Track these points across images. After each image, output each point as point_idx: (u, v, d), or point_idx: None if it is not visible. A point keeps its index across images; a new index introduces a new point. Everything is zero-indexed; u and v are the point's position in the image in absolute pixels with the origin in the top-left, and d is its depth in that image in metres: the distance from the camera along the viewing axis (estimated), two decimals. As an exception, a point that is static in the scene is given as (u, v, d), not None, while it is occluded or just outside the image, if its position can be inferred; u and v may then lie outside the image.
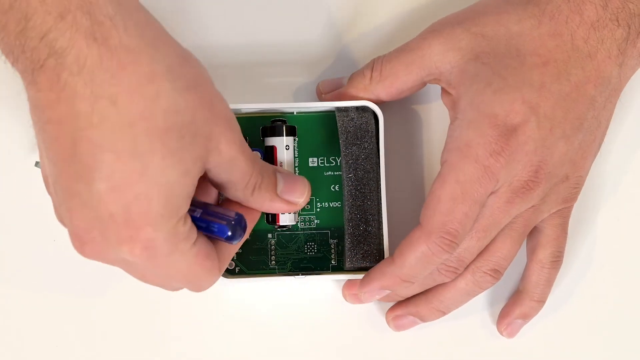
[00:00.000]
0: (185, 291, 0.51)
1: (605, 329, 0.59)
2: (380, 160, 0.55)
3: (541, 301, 0.56)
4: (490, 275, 0.53)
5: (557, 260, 0.55)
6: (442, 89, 0.54)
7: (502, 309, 0.58)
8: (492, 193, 0.51)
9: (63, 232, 0.55)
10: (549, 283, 0.56)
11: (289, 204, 0.51)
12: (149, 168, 0.43)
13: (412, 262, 0.51)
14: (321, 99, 0.56)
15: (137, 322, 0.58)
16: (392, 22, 0.59)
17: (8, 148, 0.58)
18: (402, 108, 0.59)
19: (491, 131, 0.50)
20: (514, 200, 0.51)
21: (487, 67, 0.51)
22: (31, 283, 0.58)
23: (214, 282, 0.49)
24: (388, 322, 0.57)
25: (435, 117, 0.59)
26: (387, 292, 0.54)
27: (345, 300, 0.56)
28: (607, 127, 0.54)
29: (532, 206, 0.52)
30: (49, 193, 0.48)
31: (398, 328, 0.57)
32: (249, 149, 0.48)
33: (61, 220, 0.48)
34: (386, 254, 0.54)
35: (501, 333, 0.58)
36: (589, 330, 0.59)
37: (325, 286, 0.58)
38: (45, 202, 0.57)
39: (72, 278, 0.58)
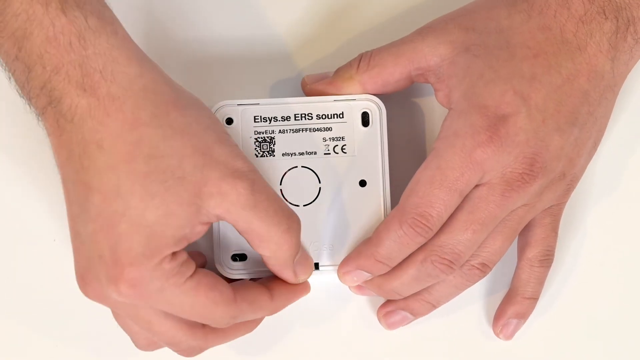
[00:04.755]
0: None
1: (601, 327, 0.59)
2: (384, 154, 0.55)
3: (533, 298, 0.56)
4: (478, 269, 0.54)
5: (547, 259, 0.56)
6: (434, 87, 0.54)
7: (496, 311, 0.58)
8: (483, 184, 0.51)
9: (63, 232, 0.56)
10: (539, 281, 0.56)
11: (293, 277, 0.53)
12: (130, 208, 0.46)
13: (386, 242, 0.52)
14: (305, 91, 0.57)
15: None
16: (379, 20, 0.60)
17: (8, 149, 0.59)
18: (405, 101, 0.59)
19: (480, 122, 0.50)
20: (510, 194, 0.51)
21: (478, 59, 0.52)
22: (31, 283, 0.58)
23: (233, 314, 0.50)
24: (380, 320, 0.57)
25: (439, 112, 0.59)
26: (366, 274, 0.54)
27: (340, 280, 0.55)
28: (604, 127, 0.54)
29: (527, 204, 0.53)
30: None
31: (390, 326, 0.57)
32: (274, 204, 0.49)
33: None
34: None
35: (497, 335, 0.58)
36: (585, 330, 0.59)
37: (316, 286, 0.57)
38: (45, 202, 0.58)
39: (71, 278, 0.57)
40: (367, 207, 0.55)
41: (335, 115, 0.56)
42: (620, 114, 0.60)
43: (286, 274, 0.53)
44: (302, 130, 0.56)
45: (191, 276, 0.48)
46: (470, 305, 0.59)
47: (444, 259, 0.52)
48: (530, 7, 0.52)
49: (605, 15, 0.52)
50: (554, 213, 0.55)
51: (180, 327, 0.50)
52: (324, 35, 0.59)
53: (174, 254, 0.48)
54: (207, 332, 0.51)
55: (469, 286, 0.55)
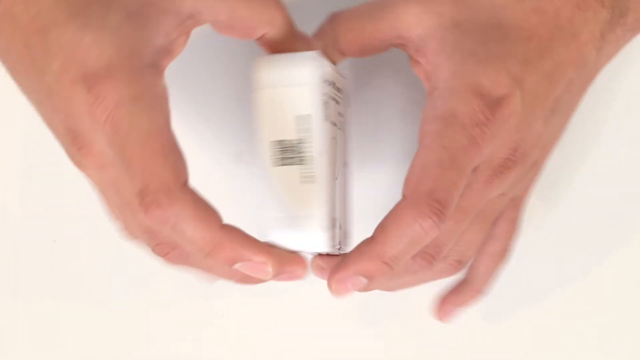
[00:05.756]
0: (181, 294, 0.51)
1: (596, 325, 0.58)
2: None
3: (483, 292, 0.55)
4: (454, 266, 0.51)
5: (506, 253, 0.54)
6: (411, 57, 0.51)
7: (445, 296, 0.56)
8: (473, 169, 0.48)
9: (63, 232, 0.57)
10: (494, 275, 0.55)
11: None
12: (90, 19, 0.44)
13: (397, 239, 0.45)
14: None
15: (138, 322, 0.59)
16: None
17: (8, 149, 0.60)
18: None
19: (477, 100, 0.47)
20: (493, 180, 0.49)
21: (469, 36, 0.48)
22: (31, 283, 0.58)
23: (176, 182, 0.43)
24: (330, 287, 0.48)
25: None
26: (363, 281, 0.47)
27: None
28: (571, 117, 0.52)
29: (503, 193, 0.50)
30: None
31: (340, 292, 0.48)
32: None
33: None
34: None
35: (437, 317, 0.56)
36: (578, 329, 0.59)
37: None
38: (45, 203, 0.59)
39: (71, 278, 0.58)
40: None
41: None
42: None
43: (295, 43, 0.48)
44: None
45: (166, 114, 0.44)
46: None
47: (426, 253, 0.49)
48: None
49: (603, 3, 0.50)
50: (517, 207, 0.53)
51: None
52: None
53: (158, 70, 0.45)
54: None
55: (435, 280, 0.52)
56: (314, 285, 0.50)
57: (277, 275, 0.46)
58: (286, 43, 0.49)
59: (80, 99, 0.43)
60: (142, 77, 0.44)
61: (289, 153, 0.48)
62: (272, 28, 0.48)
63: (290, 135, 0.48)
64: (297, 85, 0.48)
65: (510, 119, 0.48)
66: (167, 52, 0.46)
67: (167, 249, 0.47)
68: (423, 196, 0.45)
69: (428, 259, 0.49)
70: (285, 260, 0.46)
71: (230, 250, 0.44)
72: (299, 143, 0.48)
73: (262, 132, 0.48)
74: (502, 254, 0.54)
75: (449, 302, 0.56)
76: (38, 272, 0.58)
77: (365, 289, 0.48)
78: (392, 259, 0.46)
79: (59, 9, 0.44)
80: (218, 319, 0.58)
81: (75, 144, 0.45)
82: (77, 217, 0.57)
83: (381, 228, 0.46)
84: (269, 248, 0.46)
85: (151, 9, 0.45)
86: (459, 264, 0.51)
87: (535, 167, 0.51)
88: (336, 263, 0.47)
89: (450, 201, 0.45)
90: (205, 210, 0.44)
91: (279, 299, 0.58)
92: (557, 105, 0.50)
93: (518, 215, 0.54)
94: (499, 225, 0.53)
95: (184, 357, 0.59)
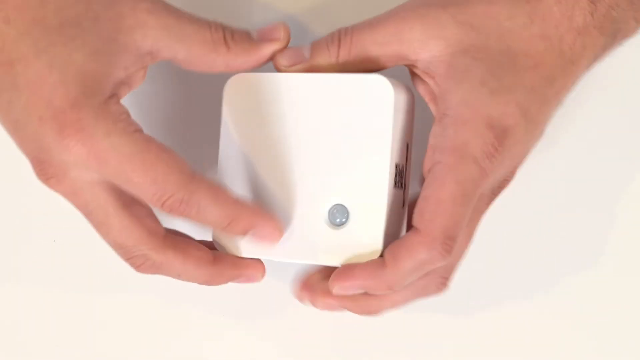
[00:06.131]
0: (181, 293, 0.52)
1: (597, 326, 0.59)
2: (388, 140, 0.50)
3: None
4: (443, 284, 0.52)
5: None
6: (416, 75, 0.51)
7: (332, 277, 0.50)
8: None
9: (63, 232, 0.57)
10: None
11: (266, 52, 0.50)
12: (55, 57, 0.46)
13: (407, 270, 0.48)
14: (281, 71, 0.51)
15: (138, 322, 0.59)
16: None
17: (8, 149, 0.59)
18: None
19: (488, 132, 0.48)
20: (491, 200, 0.51)
21: (479, 63, 0.49)
22: (31, 283, 0.58)
23: (186, 176, 0.47)
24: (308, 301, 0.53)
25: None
26: (362, 291, 0.50)
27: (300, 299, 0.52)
28: None
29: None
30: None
31: (324, 307, 0.52)
32: (191, 15, 0.49)
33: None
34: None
35: (308, 302, 0.53)
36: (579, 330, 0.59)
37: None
38: (45, 203, 0.58)
39: (72, 278, 0.58)
40: None
41: None
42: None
43: (259, 54, 0.50)
44: None
45: (141, 132, 0.47)
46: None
47: (444, 278, 0.52)
48: (533, 11, 0.50)
49: (602, 31, 0.51)
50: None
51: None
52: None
53: (118, 100, 0.47)
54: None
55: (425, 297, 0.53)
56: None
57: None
58: (249, 61, 0.50)
59: (50, 136, 0.46)
60: (107, 109, 0.46)
61: (399, 177, 0.50)
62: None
63: (402, 160, 0.50)
64: (407, 112, 0.51)
65: (514, 147, 0.49)
66: (125, 84, 0.48)
67: (139, 262, 0.50)
68: (438, 233, 0.47)
69: (444, 282, 0.52)
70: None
71: (246, 222, 0.49)
72: (404, 169, 0.50)
73: (386, 153, 0.49)
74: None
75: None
76: (38, 272, 0.58)
77: (360, 303, 0.52)
78: (397, 284, 0.49)
79: (24, 44, 0.46)
80: (217, 319, 0.59)
81: (44, 174, 0.48)
82: (77, 217, 0.57)
83: (393, 256, 0.48)
84: (272, 215, 0.50)
85: (112, 45, 0.47)
86: (447, 280, 0.52)
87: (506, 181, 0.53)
88: (343, 270, 0.49)
89: (459, 234, 0.48)
90: (217, 191, 0.48)
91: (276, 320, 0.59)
92: (545, 128, 0.51)
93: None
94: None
95: (185, 357, 0.59)
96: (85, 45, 0.46)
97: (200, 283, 0.50)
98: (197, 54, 0.49)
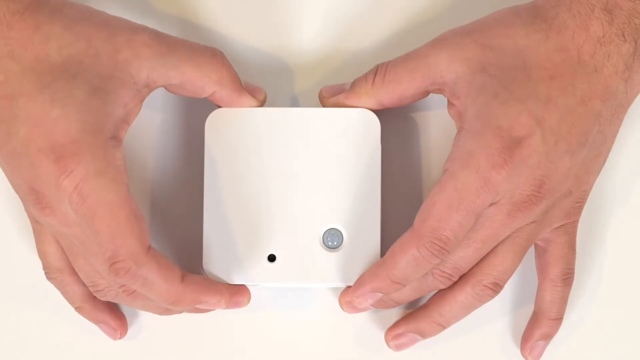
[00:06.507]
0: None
1: (620, 345, 0.59)
2: (377, 168, 0.54)
3: (558, 319, 0.56)
4: (490, 289, 0.53)
5: (568, 277, 0.55)
6: (448, 100, 0.54)
7: (523, 334, 0.57)
8: (492, 204, 0.51)
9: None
10: (563, 300, 0.56)
11: (251, 98, 0.54)
12: (57, 93, 0.48)
13: (403, 265, 0.51)
14: (323, 104, 0.56)
15: (138, 322, 0.58)
16: (395, 30, 0.59)
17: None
18: (400, 115, 0.58)
19: (495, 143, 0.50)
20: (516, 214, 0.51)
21: (494, 79, 0.51)
22: (31, 283, 0.58)
23: (141, 249, 0.49)
24: (388, 343, 0.57)
25: (434, 126, 0.58)
26: (379, 295, 0.53)
27: (342, 309, 0.55)
28: (612, 143, 0.54)
29: (534, 221, 0.53)
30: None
31: (398, 347, 0.56)
32: (185, 43, 0.52)
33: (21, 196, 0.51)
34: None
35: (526, 358, 0.57)
36: (605, 346, 0.59)
37: (321, 304, 0.58)
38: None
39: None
40: None
41: None
42: (637, 127, 0.59)
43: (242, 98, 0.54)
44: None
45: (127, 188, 0.49)
46: (485, 325, 0.59)
47: (445, 272, 0.53)
48: (548, 27, 0.52)
49: (624, 37, 0.51)
50: (569, 231, 0.55)
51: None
52: (341, 47, 0.59)
53: (118, 142, 0.50)
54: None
55: (479, 306, 0.54)
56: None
57: (227, 306, 0.53)
58: (234, 97, 0.54)
59: (47, 168, 0.48)
60: (104, 152, 0.48)
61: None
62: (220, 87, 0.53)
63: None
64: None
65: (530, 159, 0.50)
66: (125, 122, 0.51)
67: (108, 295, 0.54)
68: (427, 232, 0.51)
69: (447, 277, 0.54)
70: (234, 292, 0.54)
71: (190, 299, 0.51)
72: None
73: (377, 179, 0.55)
74: (562, 277, 0.55)
75: (529, 339, 0.57)
76: (38, 271, 0.57)
77: (387, 303, 0.55)
78: (400, 279, 0.52)
79: (27, 79, 0.49)
80: (218, 318, 0.59)
81: (39, 204, 0.50)
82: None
83: (390, 253, 0.52)
84: (220, 287, 0.52)
85: (111, 82, 0.50)
86: (496, 286, 0.54)
87: (570, 195, 0.53)
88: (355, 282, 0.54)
89: (453, 239, 0.50)
90: (167, 269, 0.50)
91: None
92: (586, 138, 0.51)
93: (571, 239, 0.55)
94: (552, 252, 0.55)
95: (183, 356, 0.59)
96: (86, 83, 0.49)
97: (163, 301, 0.51)
98: (189, 79, 0.52)
